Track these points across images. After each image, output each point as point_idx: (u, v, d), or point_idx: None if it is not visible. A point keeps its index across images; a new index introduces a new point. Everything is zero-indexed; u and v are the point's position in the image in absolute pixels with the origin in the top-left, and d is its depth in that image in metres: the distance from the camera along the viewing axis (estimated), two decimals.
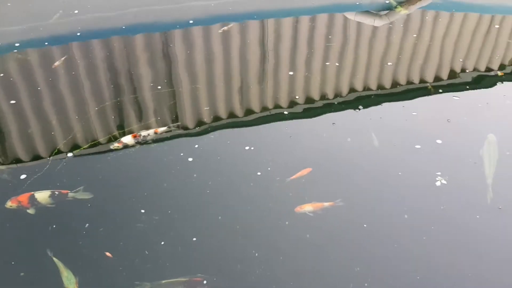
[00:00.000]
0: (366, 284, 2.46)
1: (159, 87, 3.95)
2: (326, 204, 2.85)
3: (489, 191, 2.91)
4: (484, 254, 2.60)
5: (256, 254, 2.61)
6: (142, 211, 2.83)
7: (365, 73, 4.24)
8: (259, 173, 3.11)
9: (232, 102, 3.86)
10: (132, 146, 3.29)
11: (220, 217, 2.82)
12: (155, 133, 3.40)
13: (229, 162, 3.21)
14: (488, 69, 4.24)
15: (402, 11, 5.12)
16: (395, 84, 4.08)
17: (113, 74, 4.15)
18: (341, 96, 3.92)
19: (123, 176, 3.10)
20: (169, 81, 4.05)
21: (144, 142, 3.32)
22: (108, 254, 2.60)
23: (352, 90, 4.00)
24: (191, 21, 4.91)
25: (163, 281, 2.48)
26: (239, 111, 3.75)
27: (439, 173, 3.05)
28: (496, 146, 3.25)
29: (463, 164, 3.15)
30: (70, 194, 2.92)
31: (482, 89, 3.96)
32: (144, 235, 2.70)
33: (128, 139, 3.31)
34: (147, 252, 2.62)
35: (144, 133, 3.38)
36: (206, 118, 3.65)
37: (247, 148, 3.30)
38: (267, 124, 3.61)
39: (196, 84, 4.02)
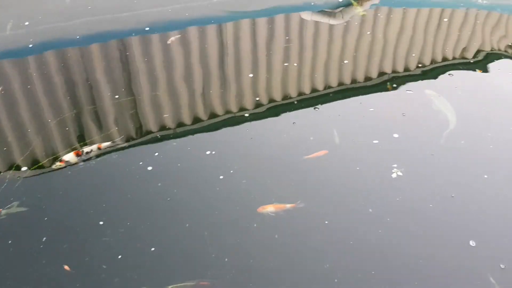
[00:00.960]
0: (336, 280, 2.49)
1: (117, 97, 3.89)
2: (288, 205, 2.88)
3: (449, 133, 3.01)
4: (439, 240, 2.67)
5: (226, 259, 2.60)
6: (101, 222, 2.78)
7: (323, 72, 4.31)
8: (221, 177, 3.11)
9: (191, 107, 3.84)
10: (75, 163, 3.21)
11: (187, 224, 2.80)
12: (99, 148, 3.31)
13: (191, 168, 3.20)
14: (439, 62, 4.37)
15: (358, 8, 5.23)
16: (352, 81, 4.16)
17: (69, 86, 4.06)
18: (300, 96, 3.96)
19: (78, 190, 3.04)
20: (126, 90, 4.00)
21: (87, 159, 3.24)
22: (66, 267, 2.54)
23: (310, 89, 4.06)
24: (147, 28, 4.86)
25: (169, 286, 2.45)
26: (198, 117, 3.73)
27: (395, 166, 3.12)
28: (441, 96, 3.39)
29: (419, 156, 3.25)
30: (3, 212, 2.83)
31: (434, 82, 4.07)
32: (107, 248, 2.65)
33: (70, 157, 3.22)
34: (111, 263, 2.57)
35: (87, 149, 3.28)
36: (166, 125, 3.62)
37: (208, 152, 3.29)
38: (228, 128, 3.61)
39: (155, 91, 3.99)
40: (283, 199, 2.93)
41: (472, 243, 2.60)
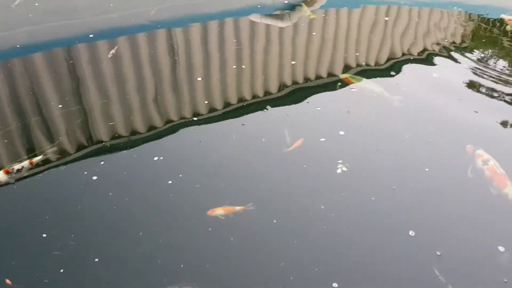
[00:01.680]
0: (291, 278, 2.52)
1: (60, 106, 3.78)
2: (238, 208, 2.89)
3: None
4: (381, 231, 2.75)
5: (182, 266, 2.57)
6: (44, 235, 2.69)
7: (271, 73, 4.34)
8: (170, 182, 3.07)
9: (137, 114, 3.78)
10: (6, 182, 3.06)
11: (141, 233, 2.75)
12: (30, 164, 3.16)
13: (138, 175, 3.15)
14: (380, 61, 4.51)
15: (307, 11, 5.31)
16: (300, 81, 4.22)
17: (13, 97, 3.91)
18: (249, 98, 3.98)
19: (20, 204, 2.94)
20: (71, 99, 3.89)
21: (20, 177, 3.10)
22: (7, 281, 2.45)
23: (259, 91, 4.09)
24: (91, 35, 4.75)
25: None
26: (145, 123, 3.68)
27: (340, 161, 3.20)
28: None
29: (363, 151, 3.33)
30: None
31: (377, 80, 4.20)
32: (50, 261, 2.57)
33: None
34: (54, 277, 2.49)
35: (17, 166, 3.12)
36: (111, 134, 3.55)
37: (156, 158, 3.25)
38: (176, 133, 3.57)
39: (100, 100, 3.90)
40: (233, 201, 2.93)
41: (411, 233, 2.70)
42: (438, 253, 2.59)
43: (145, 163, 3.22)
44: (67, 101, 3.86)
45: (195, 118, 3.70)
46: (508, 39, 4.91)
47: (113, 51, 4.50)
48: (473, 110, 3.73)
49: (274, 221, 2.82)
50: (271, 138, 3.47)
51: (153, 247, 2.66)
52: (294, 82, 4.21)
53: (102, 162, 3.22)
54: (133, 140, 3.48)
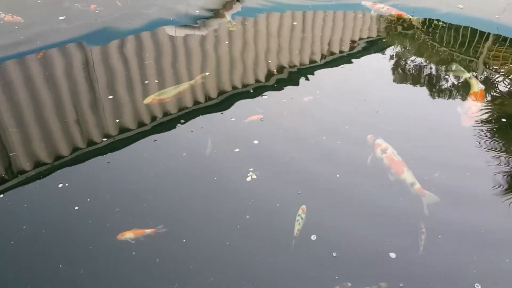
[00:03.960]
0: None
1: None
2: (148, 230, 2.81)
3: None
4: (285, 236, 2.78)
5: None
6: None
7: (185, 86, 4.28)
8: (77, 208, 2.94)
9: (39, 141, 3.57)
10: None
11: (61, 265, 2.63)
12: None
13: (42, 204, 2.99)
14: (290, 67, 4.59)
15: (229, 24, 5.31)
16: (213, 94, 4.19)
17: None
18: (162, 114, 3.90)
19: None
20: None
21: None
22: None
23: (173, 105, 4.01)
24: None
25: None
26: (47, 150, 3.49)
27: (251, 169, 3.22)
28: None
29: (275, 159, 3.37)
30: None
31: (289, 86, 4.26)
32: None
33: None
34: None
35: None
36: (11, 163, 3.34)
37: (60, 185, 3.10)
38: (81, 157, 3.42)
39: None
40: (143, 223, 2.85)
41: (313, 237, 2.77)
42: (334, 254, 2.67)
43: (49, 191, 3.07)
44: None
45: (104, 139, 3.57)
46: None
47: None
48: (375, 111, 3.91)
49: (189, 239, 2.78)
50: (185, 152, 3.42)
51: (72, 278, 2.56)
52: (208, 95, 4.18)
53: (1, 196, 3.02)
54: (34, 169, 3.28)
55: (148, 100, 3.96)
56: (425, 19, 5.54)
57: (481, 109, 3.86)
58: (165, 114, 3.89)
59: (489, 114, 3.83)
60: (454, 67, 4.46)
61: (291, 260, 2.67)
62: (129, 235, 2.79)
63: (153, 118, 3.84)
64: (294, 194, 3.06)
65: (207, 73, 4.32)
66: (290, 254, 2.70)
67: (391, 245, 2.72)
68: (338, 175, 3.21)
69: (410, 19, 5.42)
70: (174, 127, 3.73)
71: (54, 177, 3.20)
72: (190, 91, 4.17)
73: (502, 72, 4.50)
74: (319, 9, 5.78)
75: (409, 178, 3.09)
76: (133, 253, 2.70)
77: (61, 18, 5.35)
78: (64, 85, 4.21)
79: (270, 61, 4.67)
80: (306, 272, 2.61)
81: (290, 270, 2.63)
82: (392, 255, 2.66)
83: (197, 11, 5.64)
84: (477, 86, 4.10)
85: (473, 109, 3.86)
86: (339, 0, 6.12)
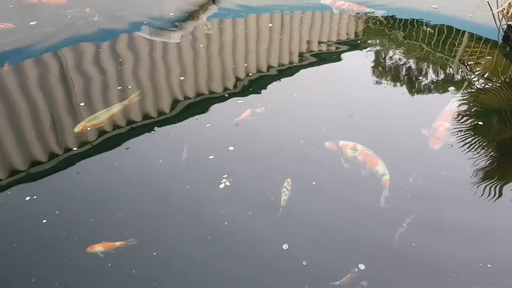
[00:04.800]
0: None
1: None
2: (117, 243, 2.75)
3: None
4: (256, 245, 2.79)
5: None
6: None
7: (160, 92, 4.21)
8: (45, 221, 2.87)
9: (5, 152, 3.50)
10: None
11: (33, 279, 2.58)
12: None
13: (8, 217, 2.91)
14: (266, 70, 4.56)
15: (205, 26, 5.23)
16: (186, 98, 4.12)
17: None
18: (135, 120, 3.82)
19: None
20: None
21: None
22: None
23: (148, 111, 3.93)
24: None
25: None
26: (14, 161, 3.41)
27: (225, 176, 3.18)
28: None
29: (250, 166, 3.32)
30: None
31: (263, 90, 4.21)
32: None
33: None
34: None
35: None
36: None
37: (28, 198, 3.01)
38: (54, 167, 3.33)
39: None
40: (113, 235, 2.79)
41: (285, 246, 2.75)
42: (304, 263, 2.66)
43: (15, 205, 2.99)
44: None
45: (75, 148, 3.48)
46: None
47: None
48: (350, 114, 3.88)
49: (154, 253, 2.73)
50: (157, 160, 3.36)
51: None
52: (186, 98, 4.11)
53: None
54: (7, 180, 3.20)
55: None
56: (391, 15, 5.52)
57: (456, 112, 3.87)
58: (136, 118, 3.83)
59: (464, 114, 3.85)
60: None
61: (265, 270, 2.65)
62: (98, 248, 2.73)
63: (129, 123, 3.78)
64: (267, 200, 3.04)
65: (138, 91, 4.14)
66: (264, 264, 2.68)
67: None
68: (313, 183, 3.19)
69: (381, 17, 5.38)
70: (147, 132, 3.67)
71: (20, 190, 3.11)
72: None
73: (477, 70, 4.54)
74: (286, 10, 5.68)
75: (381, 169, 3.17)
76: (109, 264, 2.66)
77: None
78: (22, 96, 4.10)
79: (246, 65, 4.62)
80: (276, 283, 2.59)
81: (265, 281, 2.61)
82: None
83: (171, 13, 5.55)
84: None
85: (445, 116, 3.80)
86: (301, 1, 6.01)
